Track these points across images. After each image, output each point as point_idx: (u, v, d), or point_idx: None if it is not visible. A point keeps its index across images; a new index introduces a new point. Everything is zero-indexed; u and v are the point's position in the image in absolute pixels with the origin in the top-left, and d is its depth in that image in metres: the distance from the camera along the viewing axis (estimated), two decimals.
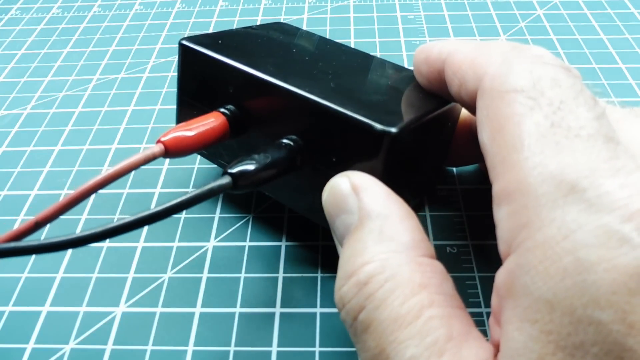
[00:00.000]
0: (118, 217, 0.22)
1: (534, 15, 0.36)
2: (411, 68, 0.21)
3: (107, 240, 0.23)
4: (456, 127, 0.22)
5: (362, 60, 0.23)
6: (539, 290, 0.11)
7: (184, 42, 0.21)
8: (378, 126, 0.17)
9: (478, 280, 0.21)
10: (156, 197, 0.25)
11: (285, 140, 0.18)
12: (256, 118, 0.20)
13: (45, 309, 0.21)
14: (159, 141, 0.17)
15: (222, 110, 0.20)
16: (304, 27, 0.36)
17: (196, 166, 0.26)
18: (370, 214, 0.15)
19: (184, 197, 0.16)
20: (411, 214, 0.16)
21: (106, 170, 0.16)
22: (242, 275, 0.22)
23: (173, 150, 0.18)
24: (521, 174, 0.12)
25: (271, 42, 0.23)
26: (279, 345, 0.19)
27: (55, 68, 0.34)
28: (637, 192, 0.11)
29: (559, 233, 0.11)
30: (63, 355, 0.19)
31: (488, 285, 0.21)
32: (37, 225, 0.16)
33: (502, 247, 0.13)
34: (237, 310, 0.20)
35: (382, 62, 0.23)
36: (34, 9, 0.40)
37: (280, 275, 0.21)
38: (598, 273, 0.10)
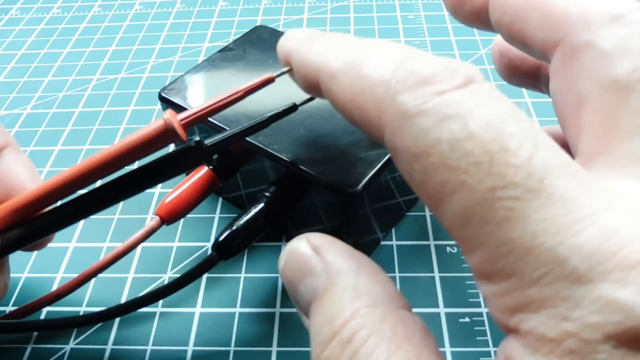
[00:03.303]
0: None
1: None
2: None
3: (107, 241, 0.23)
4: None
5: None
6: None
7: (163, 94, 0.22)
8: (341, 189, 0.17)
9: None
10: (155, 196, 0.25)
11: (266, 193, 0.19)
12: (239, 163, 0.21)
13: (46, 308, 0.21)
14: (156, 213, 0.19)
15: (208, 161, 0.21)
16: (304, 27, 0.36)
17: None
18: (340, 272, 0.14)
19: (176, 279, 0.18)
20: (378, 268, 0.15)
21: (113, 250, 0.18)
22: (242, 275, 0.22)
23: (170, 218, 0.19)
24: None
25: (246, 71, 0.23)
26: (278, 345, 0.19)
27: (55, 68, 0.34)
28: None
29: None
30: (63, 355, 0.19)
31: None
32: (58, 297, 0.19)
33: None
34: (237, 310, 0.20)
35: None
36: (34, 9, 0.40)
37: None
38: None
